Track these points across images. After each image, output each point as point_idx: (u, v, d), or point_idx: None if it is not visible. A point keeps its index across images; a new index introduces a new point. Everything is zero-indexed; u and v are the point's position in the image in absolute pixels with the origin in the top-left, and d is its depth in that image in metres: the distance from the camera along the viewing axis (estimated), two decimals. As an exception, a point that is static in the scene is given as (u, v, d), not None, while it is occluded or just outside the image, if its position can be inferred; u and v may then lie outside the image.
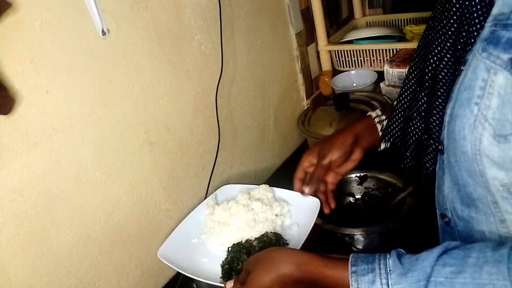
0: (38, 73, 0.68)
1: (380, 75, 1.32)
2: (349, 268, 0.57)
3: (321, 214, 0.85)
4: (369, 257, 0.57)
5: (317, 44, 1.50)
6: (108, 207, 0.83)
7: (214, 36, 1.03)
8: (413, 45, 1.33)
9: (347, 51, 1.48)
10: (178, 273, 0.98)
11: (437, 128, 0.62)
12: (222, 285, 0.73)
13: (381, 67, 1.34)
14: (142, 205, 0.90)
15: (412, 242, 0.72)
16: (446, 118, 0.55)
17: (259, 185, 0.97)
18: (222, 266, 0.80)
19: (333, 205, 0.87)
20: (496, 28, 0.48)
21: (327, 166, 0.84)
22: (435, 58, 0.60)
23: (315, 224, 0.84)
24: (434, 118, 0.62)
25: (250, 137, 1.22)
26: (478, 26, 0.52)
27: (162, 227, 0.95)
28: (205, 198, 1.01)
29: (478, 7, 0.52)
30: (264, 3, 1.23)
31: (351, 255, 0.58)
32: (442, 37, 0.58)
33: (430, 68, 0.62)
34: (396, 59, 1.27)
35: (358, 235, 0.88)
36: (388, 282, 0.53)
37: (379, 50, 1.40)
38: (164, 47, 0.91)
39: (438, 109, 0.61)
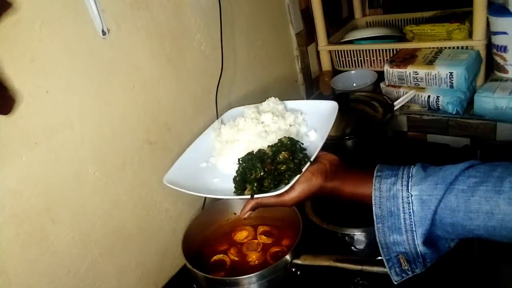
0: (38, 73, 0.68)
1: (380, 75, 1.32)
2: (375, 173, 0.63)
3: (320, 214, 0.84)
4: (395, 166, 0.63)
5: (317, 44, 1.50)
6: (108, 207, 0.83)
7: (214, 36, 1.03)
8: (413, 45, 1.33)
9: (347, 51, 1.47)
10: (178, 273, 0.98)
11: None
12: (237, 197, 0.69)
13: (381, 67, 1.34)
14: (142, 205, 0.90)
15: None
16: None
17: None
18: (234, 179, 0.72)
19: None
20: None
21: None
22: None
23: (315, 223, 0.83)
24: None
25: (250, 137, 1.22)
26: None
27: (162, 227, 0.95)
28: (205, 198, 1.00)
29: None
30: (264, 3, 1.23)
31: (377, 165, 0.65)
32: None
33: None
34: (396, 59, 1.27)
35: (358, 235, 0.88)
36: (408, 184, 0.59)
37: (379, 50, 1.40)
38: (164, 47, 0.91)
39: None
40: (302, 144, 0.74)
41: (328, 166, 0.68)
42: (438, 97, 1.20)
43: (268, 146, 0.74)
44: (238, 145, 0.78)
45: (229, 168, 0.76)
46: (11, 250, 0.68)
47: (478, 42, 1.17)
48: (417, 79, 1.21)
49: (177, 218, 0.98)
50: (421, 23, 1.39)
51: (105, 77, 0.80)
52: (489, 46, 1.19)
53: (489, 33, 1.16)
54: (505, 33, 1.11)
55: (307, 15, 1.44)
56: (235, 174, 0.72)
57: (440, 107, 1.21)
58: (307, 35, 1.46)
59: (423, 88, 1.22)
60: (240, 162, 0.73)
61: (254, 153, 0.73)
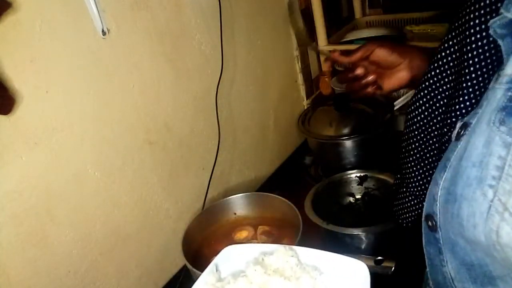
0: (38, 73, 0.68)
1: (380, 75, 1.32)
2: None
3: (320, 214, 0.83)
4: None
5: (317, 44, 1.50)
6: (108, 207, 0.83)
7: (214, 36, 1.03)
8: (413, 45, 1.33)
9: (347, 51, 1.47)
10: (178, 273, 0.98)
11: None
12: None
13: (381, 67, 1.34)
14: (142, 205, 0.90)
15: (412, 242, 0.72)
16: (442, 194, 0.46)
17: (276, 243, 0.69)
18: None
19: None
20: None
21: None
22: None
23: (315, 223, 0.82)
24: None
25: (250, 137, 1.22)
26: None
27: (162, 227, 0.95)
28: (205, 198, 1.00)
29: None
30: (264, 3, 1.23)
31: None
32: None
33: None
34: (396, 59, 1.26)
35: (358, 235, 0.88)
36: None
37: (379, 50, 1.40)
38: (164, 47, 0.91)
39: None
40: None
41: None
42: (438, 97, 1.19)
43: None
44: None
45: None
46: (11, 250, 0.68)
47: (478, 42, 1.17)
48: (417, 79, 1.21)
49: (177, 218, 0.98)
50: (421, 23, 1.39)
51: (105, 77, 0.80)
52: (489, 46, 1.18)
53: (489, 33, 1.16)
54: (505, 33, 1.11)
55: (307, 15, 1.44)
56: None
57: (440, 107, 1.21)
58: (307, 35, 1.46)
59: (423, 88, 1.22)
60: None
61: None
